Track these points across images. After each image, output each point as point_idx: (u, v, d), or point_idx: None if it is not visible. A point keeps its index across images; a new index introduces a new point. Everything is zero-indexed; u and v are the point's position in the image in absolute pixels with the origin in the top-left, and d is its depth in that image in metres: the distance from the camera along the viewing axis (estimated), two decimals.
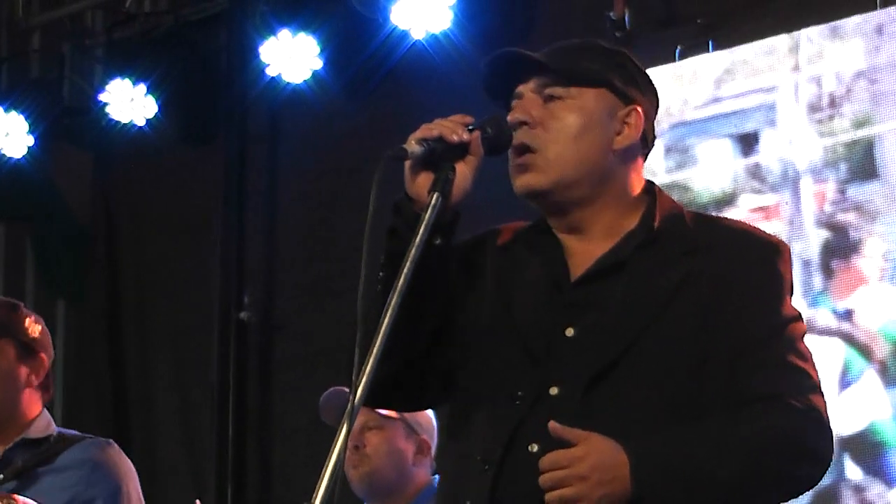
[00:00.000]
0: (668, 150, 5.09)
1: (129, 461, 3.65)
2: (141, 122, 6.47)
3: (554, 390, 2.33)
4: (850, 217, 4.77)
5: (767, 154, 4.96)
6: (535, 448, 2.29)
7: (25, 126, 6.66)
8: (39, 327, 3.67)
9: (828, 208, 4.81)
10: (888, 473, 4.61)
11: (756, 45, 5.01)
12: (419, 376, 2.45)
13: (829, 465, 2.36)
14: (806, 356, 2.39)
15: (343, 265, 6.05)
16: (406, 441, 3.88)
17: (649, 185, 2.51)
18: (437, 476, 3.79)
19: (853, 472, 4.65)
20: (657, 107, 2.55)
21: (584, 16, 5.57)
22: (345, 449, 2.09)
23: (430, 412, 3.89)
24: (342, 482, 2.08)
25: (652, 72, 2.58)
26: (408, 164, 2.33)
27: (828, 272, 4.77)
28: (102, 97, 6.48)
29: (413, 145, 2.30)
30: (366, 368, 2.14)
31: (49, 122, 6.72)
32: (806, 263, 4.81)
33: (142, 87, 6.40)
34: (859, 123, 4.77)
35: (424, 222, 2.27)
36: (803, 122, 4.89)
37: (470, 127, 2.35)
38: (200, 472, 6.55)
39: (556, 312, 2.39)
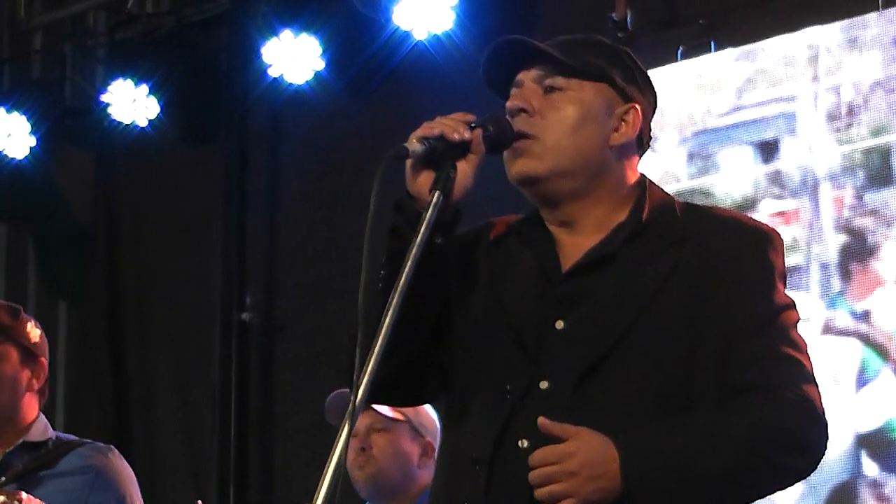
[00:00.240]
0: (692, 157, 5.15)
1: (129, 467, 3.64)
2: (143, 123, 6.48)
3: (544, 384, 2.32)
4: (867, 222, 4.85)
5: (787, 161, 5.05)
6: (525, 444, 2.28)
7: (27, 126, 6.66)
8: (39, 332, 3.67)
9: (846, 213, 4.89)
10: None
11: (776, 56, 5.09)
12: (418, 374, 2.45)
13: (822, 457, 2.33)
14: (800, 345, 2.36)
15: (344, 265, 6.05)
16: (411, 443, 3.89)
17: (641, 178, 2.49)
18: None
19: (870, 468, 4.72)
20: (655, 108, 2.54)
21: (586, 16, 5.57)
22: (346, 449, 2.08)
23: (433, 415, 3.91)
24: (344, 482, 2.08)
25: (656, 73, 2.58)
26: (409, 162, 2.32)
27: (846, 275, 4.85)
28: (104, 98, 6.48)
29: (414, 144, 2.30)
30: (367, 369, 2.13)
31: (51, 123, 6.73)
32: (824, 266, 4.89)
33: (143, 88, 6.41)
34: (876, 132, 4.86)
35: (426, 221, 2.26)
36: (822, 131, 4.98)
37: (471, 125, 2.34)
38: (202, 472, 6.55)
39: (547, 305, 2.38)
